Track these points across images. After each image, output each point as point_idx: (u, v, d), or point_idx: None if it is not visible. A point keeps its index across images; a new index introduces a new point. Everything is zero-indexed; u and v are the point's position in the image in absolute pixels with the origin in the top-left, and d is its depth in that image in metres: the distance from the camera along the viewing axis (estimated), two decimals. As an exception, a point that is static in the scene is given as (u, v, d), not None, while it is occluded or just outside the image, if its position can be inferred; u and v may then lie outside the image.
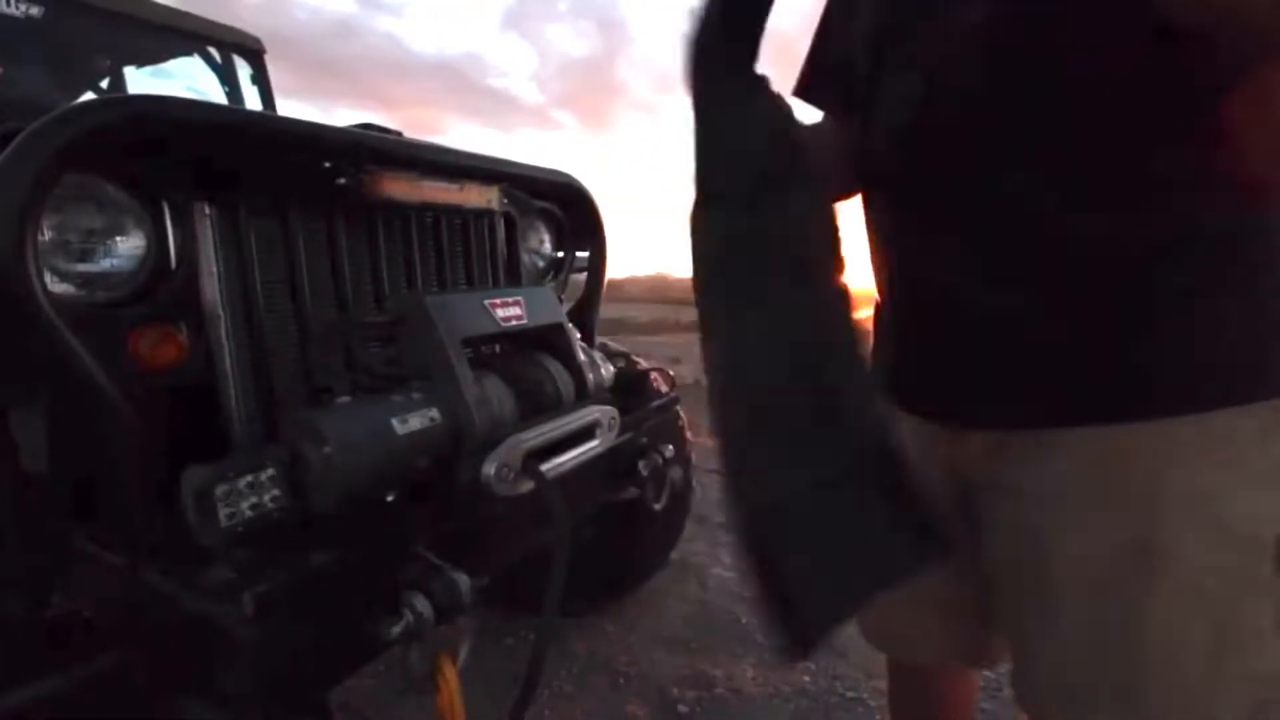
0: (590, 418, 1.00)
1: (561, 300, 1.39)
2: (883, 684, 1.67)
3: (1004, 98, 0.55)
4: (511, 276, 1.33)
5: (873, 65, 0.68)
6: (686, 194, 0.62)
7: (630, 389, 1.31)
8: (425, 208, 1.11)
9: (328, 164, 0.94)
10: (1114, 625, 0.55)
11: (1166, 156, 0.50)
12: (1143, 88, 0.49)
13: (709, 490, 2.84)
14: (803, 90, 0.81)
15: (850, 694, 1.59)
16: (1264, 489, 0.51)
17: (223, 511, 0.65)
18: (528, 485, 0.86)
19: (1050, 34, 0.51)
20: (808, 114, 0.82)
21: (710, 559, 2.35)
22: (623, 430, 1.08)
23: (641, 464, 1.19)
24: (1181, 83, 0.48)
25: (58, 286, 0.74)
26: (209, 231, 0.85)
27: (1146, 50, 0.47)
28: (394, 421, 0.77)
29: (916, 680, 0.93)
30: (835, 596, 0.59)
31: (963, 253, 0.61)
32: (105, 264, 0.79)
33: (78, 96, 2.01)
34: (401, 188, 1.02)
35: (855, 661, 1.66)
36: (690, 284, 0.63)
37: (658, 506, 1.23)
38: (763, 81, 0.60)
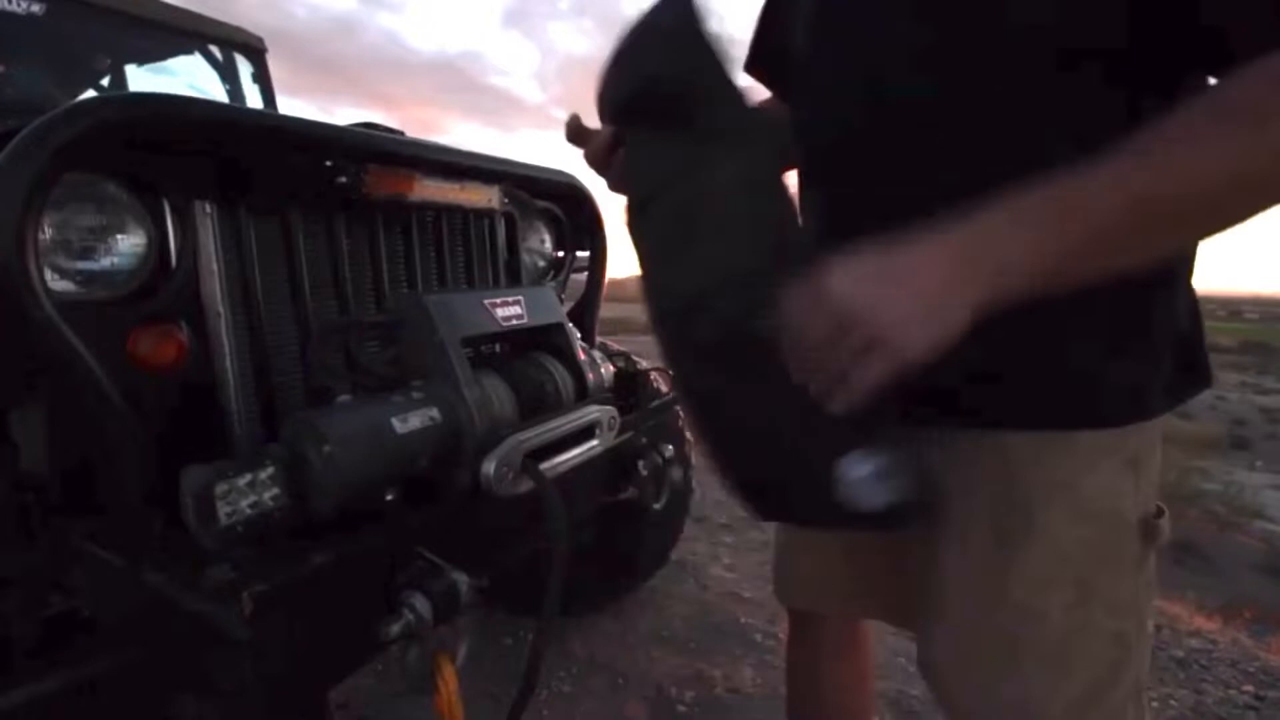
0: (590, 418, 0.99)
1: (562, 300, 1.39)
2: (884, 685, 1.68)
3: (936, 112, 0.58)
4: (512, 276, 1.32)
5: (808, 53, 0.69)
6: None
7: (630, 389, 1.30)
8: (426, 207, 1.11)
9: (329, 163, 0.94)
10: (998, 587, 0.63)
11: None
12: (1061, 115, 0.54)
13: (709, 490, 2.83)
14: (749, 66, 0.86)
15: (850, 694, 1.59)
16: (1117, 476, 0.62)
17: (222, 511, 0.65)
18: (527, 485, 0.86)
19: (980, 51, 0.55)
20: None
21: (710, 559, 2.36)
22: (623, 430, 1.08)
23: (641, 464, 1.19)
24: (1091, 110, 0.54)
25: (58, 284, 0.74)
26: (210, 230, 0.85)
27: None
28: (394, 421, 0.77)
29: (815, 631, 0.96)
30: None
31: None
32: (106, 262, 0.78)
33: (78, 94, 2.01)
34: (402, 187, 1.02)
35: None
36: None
37: (658, 506, 1.23)
38: None
